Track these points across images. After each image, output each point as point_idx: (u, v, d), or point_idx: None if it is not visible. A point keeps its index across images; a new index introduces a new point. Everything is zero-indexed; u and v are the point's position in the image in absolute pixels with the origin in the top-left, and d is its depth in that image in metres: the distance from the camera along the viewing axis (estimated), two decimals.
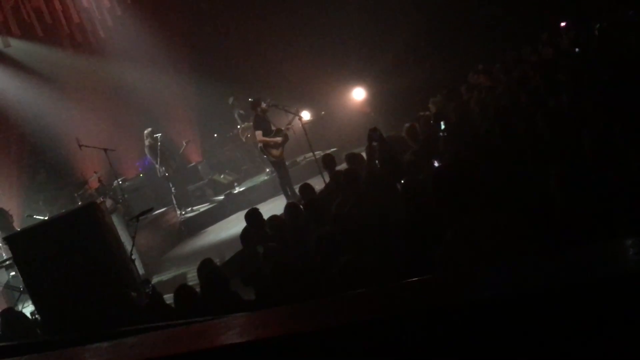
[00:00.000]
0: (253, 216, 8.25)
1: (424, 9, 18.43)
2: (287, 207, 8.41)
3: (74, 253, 8.53)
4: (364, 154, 9.79)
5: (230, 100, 16.67)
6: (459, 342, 1.58)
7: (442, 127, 9.10)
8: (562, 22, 16.44)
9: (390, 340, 1.64)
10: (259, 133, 13.03)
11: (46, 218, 12.35)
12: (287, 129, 13.51)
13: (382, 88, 17.45)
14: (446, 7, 18.75)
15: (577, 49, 12.72)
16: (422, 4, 18.48)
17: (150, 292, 8.59)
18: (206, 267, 7.21)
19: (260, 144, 13.22)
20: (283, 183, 13.27)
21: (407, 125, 10.17)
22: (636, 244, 1.61)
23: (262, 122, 13.09)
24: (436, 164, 7.75)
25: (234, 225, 12.79)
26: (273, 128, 13.17)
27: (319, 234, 6.09)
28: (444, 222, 4.62)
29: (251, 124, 14.15)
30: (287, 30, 18.71)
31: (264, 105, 13.07)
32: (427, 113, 11.64)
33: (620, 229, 3.84)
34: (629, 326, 1.45)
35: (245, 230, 8.18)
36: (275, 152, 13.07)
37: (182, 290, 6.47)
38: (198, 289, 6.88)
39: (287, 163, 13.96)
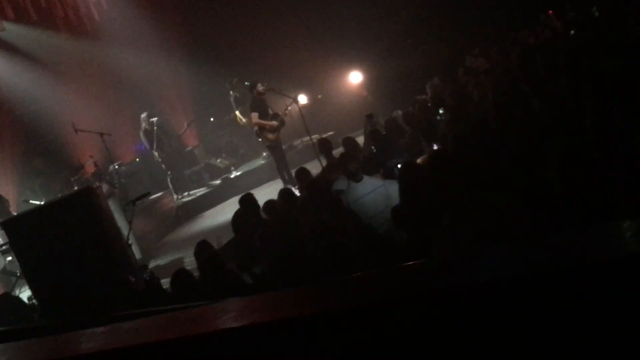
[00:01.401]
0: (247, 202, 8.24)
1: None
2: (282, 192, 8.41)
3: (71, 238, 8.48)
4: (361, 138, 9.79)
5: (234, 81, 16.55)
6: (454, 325, 1.57)
7: (441, 111, 9.09)
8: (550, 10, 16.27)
9: (389, 323, 1.63)
10: (254, 115, 13.02)
11: (42, 203, 12.32)
12: (285, 114, 13.49)
13: (379, 71, 17.37)
14: None
15: (572, 32, 12.65)
16: None
17: (148, 278, 8.58)
18: (203, 250, 7.21)
19: (255, 127, 13.20)
20: (279, 167, 13.27)
21: (401, 111, 10.16)
22: (633, 227, 1.60)
23: (258, 105, 13.07)
24: (435, 148, 7.74)
25: (231, 209, 12.67)
26: (270, 112, 13.15)
27: (317, 219, 6.10)
28: (440, 205, 4.62)
29: (247, 107, 14.10)
30: (284, 14, 18.63)
31: (260, 88, 13.03)
32: (424, 97, 11.60)
33: (618, 211, 3.84)
34: (629, 309, 1.44)
35: (235, 216, 8.15)
36: (270, 135, 13.04)
37: (179, 274, 6.46)
38: (196, 274, 6.87)
39: (284, 147, 13.93)
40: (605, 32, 10.31)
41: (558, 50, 9.84)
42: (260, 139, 13.52)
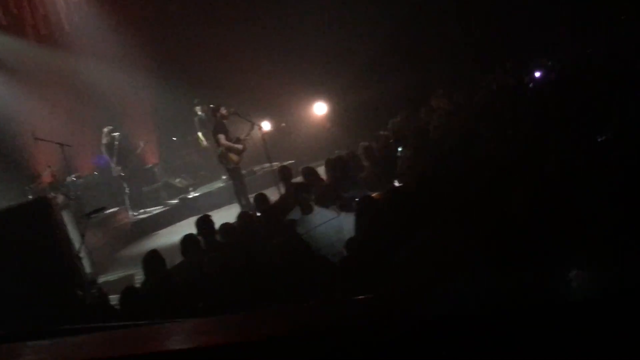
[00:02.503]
0: (204, 223, 8.21)
1: (388, 26, 18.52)
2: (240, 216, 8.42)
3: (21, 247, 8.38)
4: (321, 169, 9.85)
5: (195, 101, 16.59)
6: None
7: (400, 149, 9.21)
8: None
9: (331, 353, 1.65)
10: (221, 136, 13.04)
11: None
12: (246, 139, 13.52)
13: (344, 103, 17.53)
14: (411, 26, 18.88)
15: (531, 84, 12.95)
16: (386, 21, 18.57)
17: (96, 293, 8.48)
18: (154, 260, 7.20)
19: (220, 148, 13.20)
20: (238, 192, 13.25)
21: (363, 144, 10.25)
22: (579, 277, 1.65)
23: (223, 127, 13.13)
24: (396, 184, 7.83)
25: (186, 230, 12.54)
26: (233, 136, 13.20)
27: (273, 243, 6.11)
28: (397, 239, 4.68)
29: (211, 129, 14.10)
30: (253, 40, 18.66)
31: (224, 111, 13.09)
32: (386, 132, 11.73)
33: (573, 253, 3.91)
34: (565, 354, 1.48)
35: (186, 238, 8.09)
36: (235, 158, 13.09)
37: (128, 291, 6.42)
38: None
39: (243, 172, 13.94)
40: (566, 83, 10.58)
41: (520, 97, 10.07)
42: (223, 162, 13.53)
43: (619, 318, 1.43)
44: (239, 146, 13.06)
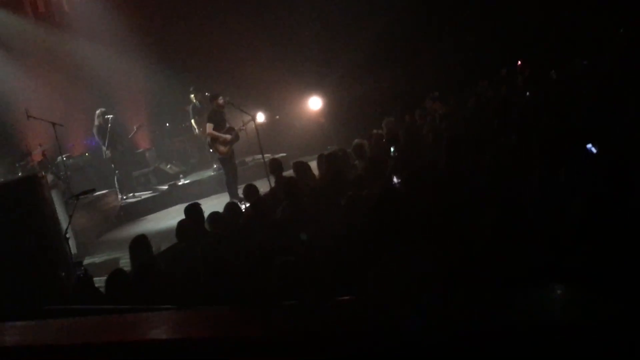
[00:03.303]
0: (193, 210, 8.22)
1: (384, 22, 18.54)
2: (227, 206, 8.43)
3: (9, 224, 8.37)
4: (313, 163, 9.88)
5: (191, 89, 16.62)
6: None
7: (392, 150, 9.23)
8: (519, 60, 16.77)
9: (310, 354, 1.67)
10: (209, 125, 13.11)
11: None
12: (240, 129, 13.53)
13: (338, 98, 17.55)
14: (407, 23, 18.91)
15: (527, 93, 13.02)
16: (382, 18, 18.59)
17: (81, 274, 8.48)
18: (141, 245, 7.21)
19: (208, 138, 13.25)
20: (228, 181, 13.27)
21: (356, 141, 10.28)
22: (563, 297, 1.68)
23: (215, 117, 13.16)
24: (396, 181, 7.80)
25: (174, 216, 12.69)
26: (227, 125, 13.20)
27: (259, 238, 6.14)
28: (382, 242, 4.70)
29: (205, 117, 14.12)
30: (252, 32, 18.66)
31: (220, 100, 13.10)
32: (380, 132, 11.76)
33: (548, 276, 3.93)
34: None
35: (181, 223, 8.12)
36: (222, 148, 13.10)
37: (116, 275, 6.41)
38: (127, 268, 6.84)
39: (236, 162, 13.95)
40: (560, 95, 10.64)
41: (513, 106, 10.12)
42: (211, 150, 13.57)
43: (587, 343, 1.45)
44: (227, 136, 13.07)
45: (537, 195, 5.43)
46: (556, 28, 17.41)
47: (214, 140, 13.11)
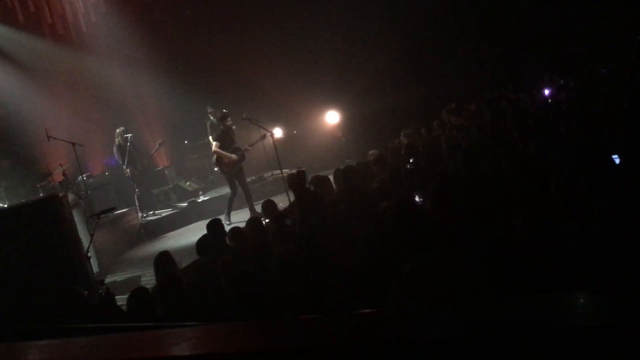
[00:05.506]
0: (215, 227, 8.24)
1: (401, 36, 18.58)
2: (250, 221, 8.43)
3: (31, 244, 8.43)
4: (331, 177, 9.86)
5: (209, 106, 16.71)
6: None
7: (411, 161, 9.21)
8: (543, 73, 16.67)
9: None
10: (216, 144, 13.28)
11: (6, 206, 12.20)
12: (247, 149, 13.59)
13: (356, 113, 17.58)
14: (424, 37, 18.94)
15: (549, 100, 12.99)
16: (400, 32, 18.63)
17: (103, 293, 8.51)
18: (165, 261, 7.24)
19: (214, 155, 13.52)
20: (230, 198, 13.52)
21: (374, 152, 10.27)
22: (584, 302, 1.66)
23: (222, 135, 13.40)
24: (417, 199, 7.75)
25: (194, 233, 12.71)
26: (234, 145, 13.34)
27: (281, 251, 6.12)
28: (401, 254, 4.67)
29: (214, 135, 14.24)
30: (269, 47, 18.79)
31: (229, 121, 13.30)
32: (398, 143, 11.75)
33: (577, 278, 3.91)
34: None
35: (203, 239, 8.14)
36: (226, 168, 13.25)
37: (137, 293, 6.41)
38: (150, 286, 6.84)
39: (253, 178, 14.04)
40: (578, 104, 10.59)
41: (530, 116, 10.09)
42: (216, 169, 13.78)
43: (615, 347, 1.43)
44: (232, 156, 13.23)
45: (559, 201, 5.39)
46: (574, 36, 17.35)
47: (219, 159, 13.30)
